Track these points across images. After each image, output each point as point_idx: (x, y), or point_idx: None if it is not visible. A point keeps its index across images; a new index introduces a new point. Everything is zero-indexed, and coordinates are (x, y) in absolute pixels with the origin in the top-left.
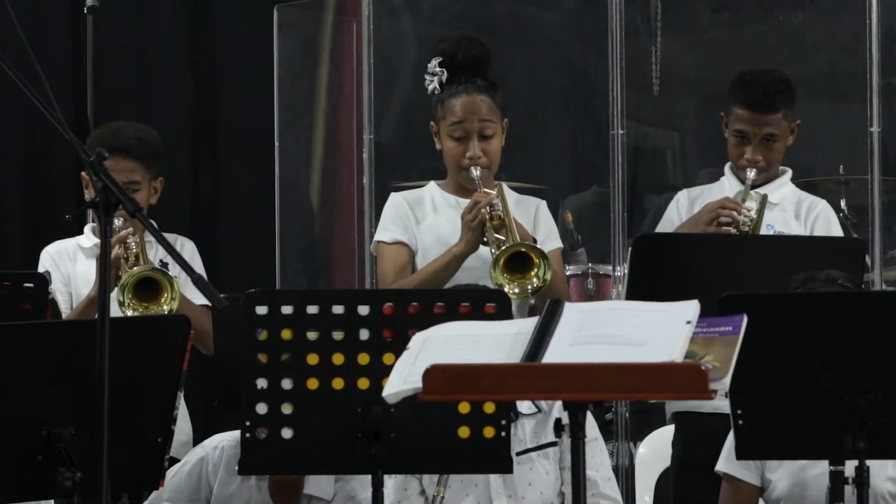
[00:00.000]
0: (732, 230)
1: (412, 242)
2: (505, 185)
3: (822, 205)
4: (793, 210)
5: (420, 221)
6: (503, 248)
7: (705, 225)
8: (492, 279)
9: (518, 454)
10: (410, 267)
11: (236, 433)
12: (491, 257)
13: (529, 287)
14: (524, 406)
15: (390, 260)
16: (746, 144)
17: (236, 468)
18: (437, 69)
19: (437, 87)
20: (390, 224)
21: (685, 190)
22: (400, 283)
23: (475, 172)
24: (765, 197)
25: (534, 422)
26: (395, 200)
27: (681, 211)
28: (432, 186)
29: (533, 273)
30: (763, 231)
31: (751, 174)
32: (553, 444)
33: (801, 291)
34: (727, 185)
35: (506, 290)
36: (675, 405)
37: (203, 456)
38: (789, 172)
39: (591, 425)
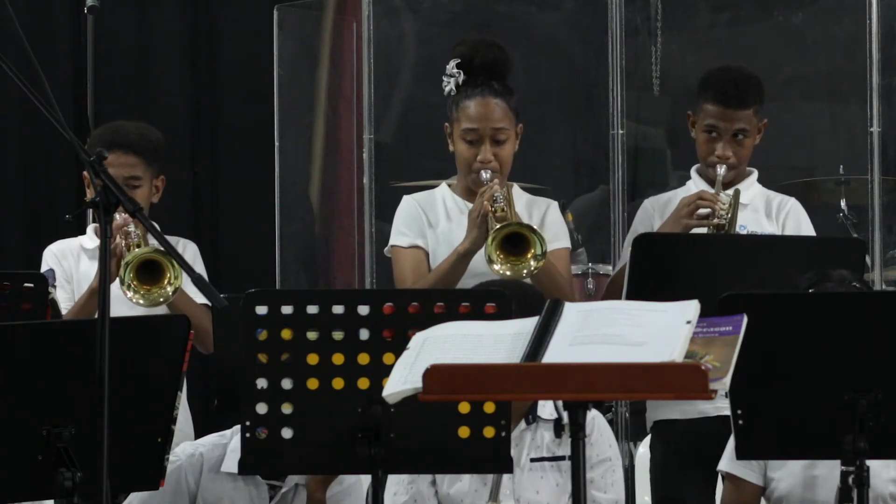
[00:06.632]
0: (712, 223)
1: (427, 246)
2: (516, 186)
3: (791, 202)
4: (763, 209)
5: (433, 225)
6: (498, 226)
7: (685, 218)
8: (485, 254)
9: (532, 460)
10: (427, 270)
11: (209, 438)
12: None
13: (525, 270)
14: (546, 411)
15: (408, 264)
16: (717, 141)
17: (220, 470)
18: (455, 70)
19: (454, 88)
20: (405, 228)
21: (651, 198)
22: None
23: (485, 175)
24: (737, 191)
25: (554, 427)
26: (408, 204)
27: (653, 219)
28: (444, 188)
29: (529, 255)
30: (736, 231)
31: (721, 170)
32: (563, 458)
33: (813, 290)
34: (694, 189)
35: (496, 268)
36: (658, 414)
37: (179, 465)
38: (756, 173)
39: (608, 445)
